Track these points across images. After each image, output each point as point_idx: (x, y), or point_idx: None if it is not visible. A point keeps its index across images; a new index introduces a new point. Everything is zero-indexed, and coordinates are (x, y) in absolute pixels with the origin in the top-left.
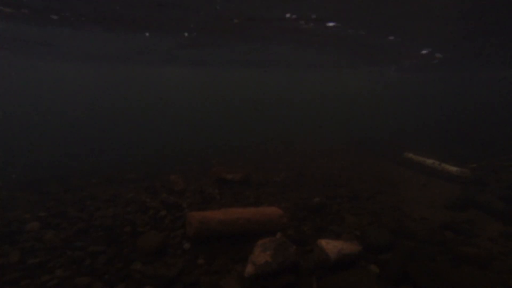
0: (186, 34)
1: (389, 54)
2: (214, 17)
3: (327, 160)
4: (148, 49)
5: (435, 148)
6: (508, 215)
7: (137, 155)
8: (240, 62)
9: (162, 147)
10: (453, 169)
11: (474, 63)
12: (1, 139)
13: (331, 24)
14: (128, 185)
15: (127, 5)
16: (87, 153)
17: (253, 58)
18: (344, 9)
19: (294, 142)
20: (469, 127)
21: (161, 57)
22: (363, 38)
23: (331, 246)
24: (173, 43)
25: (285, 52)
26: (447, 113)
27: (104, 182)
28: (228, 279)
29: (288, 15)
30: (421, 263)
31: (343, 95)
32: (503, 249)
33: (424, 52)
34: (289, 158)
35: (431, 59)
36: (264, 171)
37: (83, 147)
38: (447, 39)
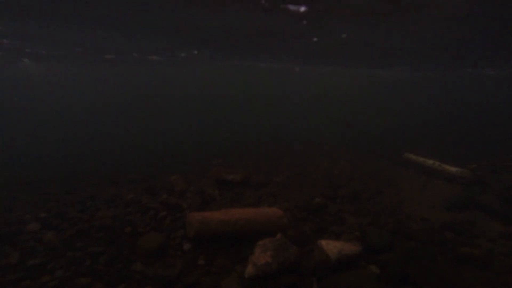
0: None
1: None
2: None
3: (327, 160)
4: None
5: (435, 148)
6: (508, 215)
7: (137, 155)
8: (241, 61)
9: (162, 148)
10: (453, 169)
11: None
12: (1, 139)
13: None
14: (128, 185)
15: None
16: (88, 154)
17: (255, 58)
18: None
19: (295, 143)
20: (469, 127)
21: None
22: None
23: (331, 247)
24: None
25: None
26: (447, 113)
27: (104, 183)
28: (229, 279)
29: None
30: (421, 263)
31: (343, 96)
32: (503, 250)
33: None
34: (289, 158)
35: None
36: (264, 171)
37: (84, 148)
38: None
